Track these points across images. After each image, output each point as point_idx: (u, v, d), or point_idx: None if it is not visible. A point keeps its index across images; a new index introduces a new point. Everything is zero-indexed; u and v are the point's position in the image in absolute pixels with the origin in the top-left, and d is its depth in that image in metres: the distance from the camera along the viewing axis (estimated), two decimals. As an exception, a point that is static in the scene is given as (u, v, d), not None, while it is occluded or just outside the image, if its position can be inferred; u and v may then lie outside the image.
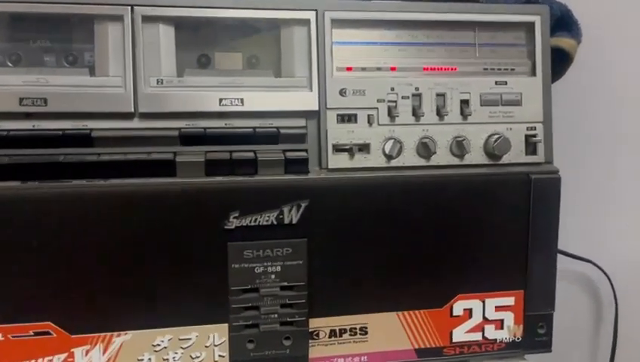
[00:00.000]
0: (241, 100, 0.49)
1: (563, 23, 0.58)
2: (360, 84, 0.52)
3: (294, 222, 0.48)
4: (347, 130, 0.52)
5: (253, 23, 0.50)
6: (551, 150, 0.54)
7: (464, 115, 0.54)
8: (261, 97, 0.49)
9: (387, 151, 0.52)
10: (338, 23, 0.51)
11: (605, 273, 0.71)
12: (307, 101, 0.51)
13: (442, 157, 0.53)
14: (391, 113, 0.52)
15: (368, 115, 0.52)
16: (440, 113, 0.53)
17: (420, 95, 0.53)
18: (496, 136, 0.53)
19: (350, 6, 0.51)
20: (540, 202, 0.52)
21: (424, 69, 0.53)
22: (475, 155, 0.54)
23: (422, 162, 0.52)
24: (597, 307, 0.75)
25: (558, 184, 0.52)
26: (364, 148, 0.52)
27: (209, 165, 0.46)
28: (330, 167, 0.51)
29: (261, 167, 0.48)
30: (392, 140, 0.52)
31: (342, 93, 0.52)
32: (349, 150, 0.51)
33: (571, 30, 0.59)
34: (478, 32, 0.54)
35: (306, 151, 0.49)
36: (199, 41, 0.49)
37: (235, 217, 0.47)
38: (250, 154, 0.48)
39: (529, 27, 0.54)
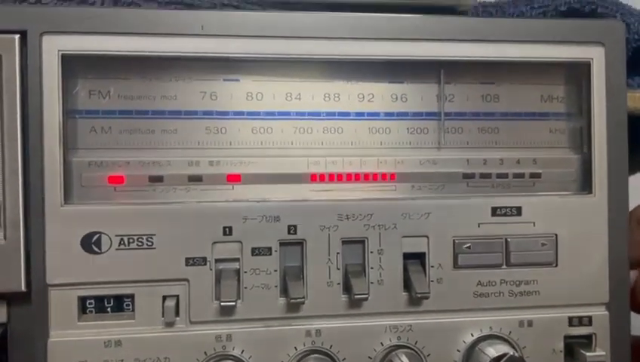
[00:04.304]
0: None
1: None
2: (140, 222, 0.28)
3: None
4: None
5: None
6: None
7: (414, 290, 0.29)
8: None
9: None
10: (71, 60, 0.28)
11: None
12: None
13: None
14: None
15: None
16: (351, 290, 0.28)
17: (302, 243, 0.29)
18: (493, 353, 0.28)
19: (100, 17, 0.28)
20: None
21: (313, 177, 0.29)
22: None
23: None
24: None
25: None
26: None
27: None
28: None
29: None
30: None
31: (85, 245, 0.27)
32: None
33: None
34: (447, 83, 0.31)
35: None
36: None
37: None
38: None
39: (577, 72, 0.31)
